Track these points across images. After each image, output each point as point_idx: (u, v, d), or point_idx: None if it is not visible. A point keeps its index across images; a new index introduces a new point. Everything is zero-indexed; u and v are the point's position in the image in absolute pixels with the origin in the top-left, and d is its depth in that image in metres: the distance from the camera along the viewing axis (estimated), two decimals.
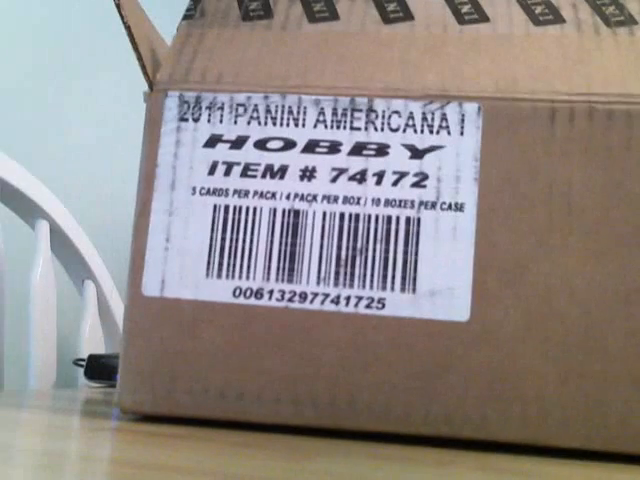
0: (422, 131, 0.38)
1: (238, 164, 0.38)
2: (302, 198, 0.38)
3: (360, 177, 0.37)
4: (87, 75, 1.22)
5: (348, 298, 0.37)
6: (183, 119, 0.39)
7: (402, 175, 0.37)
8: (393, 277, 0.37)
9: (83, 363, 0.72)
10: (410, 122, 0.38)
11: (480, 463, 0.32)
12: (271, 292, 0.37)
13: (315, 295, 0.37)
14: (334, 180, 0.38)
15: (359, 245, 0.37)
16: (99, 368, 0.70)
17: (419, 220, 0.37)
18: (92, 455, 0.28)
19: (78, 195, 1.08)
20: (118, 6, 0.38)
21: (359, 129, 0.38)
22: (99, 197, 1.20)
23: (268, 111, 0.39)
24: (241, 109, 0.39)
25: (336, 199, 0.37)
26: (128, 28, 0.39)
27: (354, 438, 0.36)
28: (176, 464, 0.27)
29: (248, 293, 0.37)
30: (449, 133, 0.37)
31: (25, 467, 0.25)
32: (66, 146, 1.18)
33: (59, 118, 1.17)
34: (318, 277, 0.37)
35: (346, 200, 0.37)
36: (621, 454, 0.35)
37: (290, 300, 0.37)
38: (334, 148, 0.38)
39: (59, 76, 1.17)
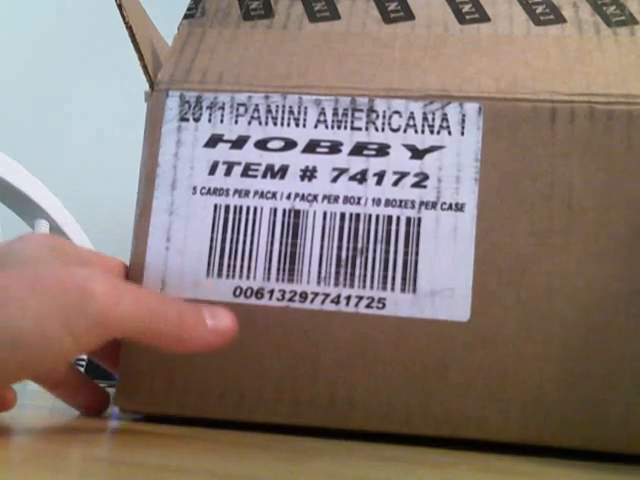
0: (423, 131, 0.38)
1: (239, 164, 0.38)
2: (303, 198, 0.38)
3: (361, 177, 0.37)
4: (87, 75, 1.22)
5: (348, 298, 0.37)
6: (184, 119, 0.39)
7: (403, 175, 0.37)
8: (393, 277, 0.37)
9: (83, 363, 0.72)
10: (411, 122, 0.38)
11: (480, 464, 0.32)
12: (271, 292, 0.37)
13: (315, 295, 0.37)
14: (335, 180, 0.38)
15: (359, 245, 0.37)
16: (99, 368, 0.70)
17: (419, 220, 0.37)
18: (92, 455, 0.28)
19: (78, 195, 1.08)
20: (119, 6, 0.38)
21: (360, 129, 0.38)
22: (99, 197, 1.20)
23: (269, 111, 0.39)
24: (242, 109, 0.39)
25: (337, 199, 0.37)
26: (129, 28, 0.39)
27: (354, 439, 0.36)
28: (176, 464, 0.27)
29: (249, 293, 0.37)
30: (450, 133, 0.37)
31: (25, 467, 0.24)
32: (66, 146, 1.18)
33: (59, 118, 1.17)
34: (318, 277, 0.37)
35: (347, 200, 0.37)
36: (621, 454, 0.35)
37: (291, 300, 0.37)
38: (335, 148, 0.38)
39: (59, 76, 1.16)
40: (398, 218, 0.37)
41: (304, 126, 0.38)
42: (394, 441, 0.36)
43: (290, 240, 0.37)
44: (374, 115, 0.38)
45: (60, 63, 1.16)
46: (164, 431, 0.36)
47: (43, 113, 1.13)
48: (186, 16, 0.43)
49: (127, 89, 1.08)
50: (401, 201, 0.37)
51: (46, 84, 1.14)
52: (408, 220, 0.37)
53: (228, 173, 0.38)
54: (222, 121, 0.39)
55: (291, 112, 0.38)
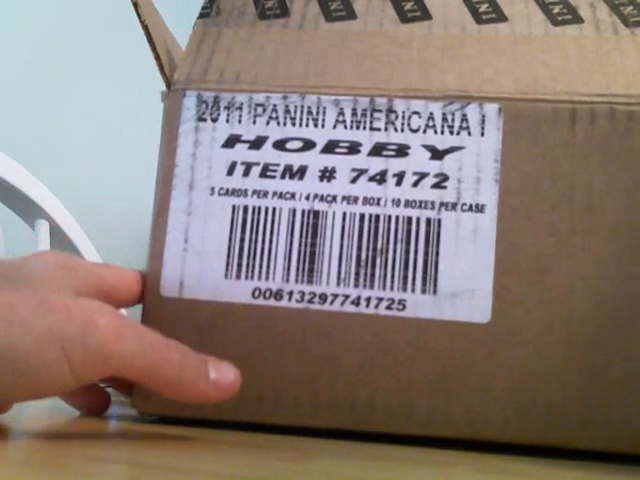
0: (442, 132, 0.37)
1: (257, 164, 0.38)
2: (322, 199, 0.37)
3: (380, 178, 0.37)
4: (87, 75, 1.21)
5: (368, 299, 0.36)
6: (201, 119, 0.39)
7: (422, 176, 0.37)
8: (414, 278, 0.36)
9: None
10: (430, 123, 0.37)
11: (481, 464, 0.32)
12: (291, 293, 0.37)
13: (335, 296, 0.37)
14: (354, 181, 0.37)
15: (379, 246, 0.37)
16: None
17: (439, 221, 0.37)
18: (92, 455, 0.28)
19: (78, 195, 1.07)
20: (135, 5, 0.38)
21: (379, 129, 0.38)
22: (99, 197, 1.19)
23: (287, 111, 0.38)
24: (260, 109, 0.38)
25: (356, 200, 0.37)
26: (145, 27, 0.38)
27: (354, 439, 0.36)
28: (176, 464, 0.27)
29: (267, 294, 0.37)
30: (469, 134, 0.37)
31: (25, 467, 0.24)
32: (66, 146, 1.17)
33: (59, 118, 1.17)
34: (338, 278, 0.37)
35: (366, 201, 0.37)
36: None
37: (310, 301, 0.37)
38: (354, 148, 0.38)
39: (59, 76, 1.16)
40: (418, 219, 0.37)
41: (323, 126, 0.38)
42: (394, 441, 0.36)
43: (309, 241, 0.37)
44: (393, 115, 0.38)
45: (60, 63, 1.15)
46: (164, 431, 0.35)
47: (43, 113, 1.13)
48: (201, 15, 0.43)
49: (128, 89, 1.08)
50: (421, 202, 0.37)
51: (46, 84, 1.13)
52: (428, 221, 0.37)
53: (246, 174, 0.38)
54: (240, 121, 0.38)
55: (310, 112, 0.38)
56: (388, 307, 0.36)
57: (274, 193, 0.38)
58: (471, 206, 0.37)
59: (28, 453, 0.28)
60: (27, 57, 1.11)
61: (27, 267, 0.33)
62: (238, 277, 0.37)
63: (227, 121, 0.38)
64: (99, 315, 0.30)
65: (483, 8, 0.42)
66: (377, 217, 0.37)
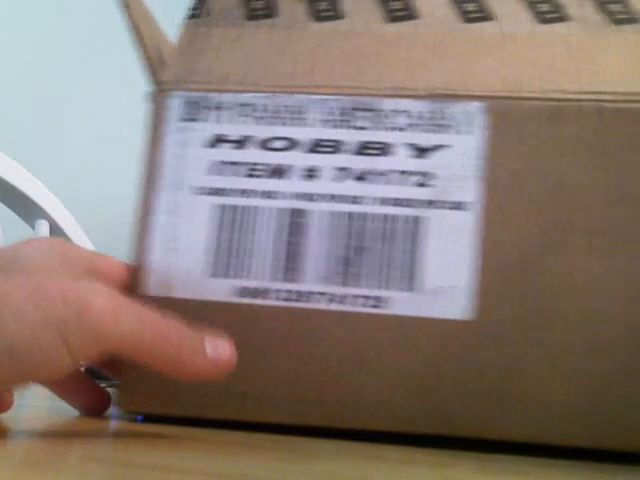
0: (428, 130, 0.37)
1: (242, 164, 0.38)
2: (306, 198, 0.37)
3: (365, 176, 0.37)
4: (87, 76, 1.22)
5: (352, 297, 0.36)
6: (188, 119, 0.39)
7: (407, 174, 0.37)
8: (397, 276, 0.36)
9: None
10: (416, 121, 0.37)
11: (480, 465, 0.32)
12: (275, 292, 0.37)
13: (319, 294, 0.37)
14: (338, 180, 0.37)
15: (363, 244, 0.37)
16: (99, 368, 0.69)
17: (424, 219, 0.37)
18: (92, 455, 0.28)
19: (78, 195, 1.08)
20: (126, 6, 0.38)
21: (364, 128, 0.38)
22: (99, 197, 1.20)
23: (274, 111, 0.38)
24: (246, 109, 0.38)
25: (340, 199, 0.37)
26: (135, 27, 0.38)
27: (355, 439, 0.36)
28: (176, 464, 0.27)
29: (252, 293, 0.37)
30: (455, 132, 0.37)
31: (25, 467, 0.24)
32: (66, 146, 1.17)
33: (59, 118, 1.17)
34: (322, 276, 0.37)
35: (350, 199, 0.37)
36: (627, 453, 0.35)
37: (294, 300, 0.37)
38: (339, 148, 0.38)
39: (59, 76, 1.16)
40: (402, 217, 0.37)
41: (308, 126, 0.38)
42: (394, 441, 0.36)
43: (293, 240, 0.37)
44: (379, 114, 0.38)
45: (60, 63, 1.16)
46: (164, 431, 0.35)
47: (43, 113, 1.13)
48: (190, 16, 0.43)
49: (127, 89, 1.07)
50: (405, 200, 0.37)
51: (46, 84, 1.13)
52: (412, 219, 0.37)
53: (232, 173, 0.38)
54: (226, 121, 0.38)
55: (296, 112, 0.38)
56: (372, 305, 0.36)
57: (259, 192, 0.38)
58: (456, 204, 0.37)
59: (28, 453, 0.28)
60: (27, 57, 1.11)
61: (22, 257, 0.34)
62: (223, 276, 0.37)
63: (213, 121, 0.39)
64: (95, 296, 0.30)
65: (470, 7, 0.42)
66: (361, 215, 0.37)
